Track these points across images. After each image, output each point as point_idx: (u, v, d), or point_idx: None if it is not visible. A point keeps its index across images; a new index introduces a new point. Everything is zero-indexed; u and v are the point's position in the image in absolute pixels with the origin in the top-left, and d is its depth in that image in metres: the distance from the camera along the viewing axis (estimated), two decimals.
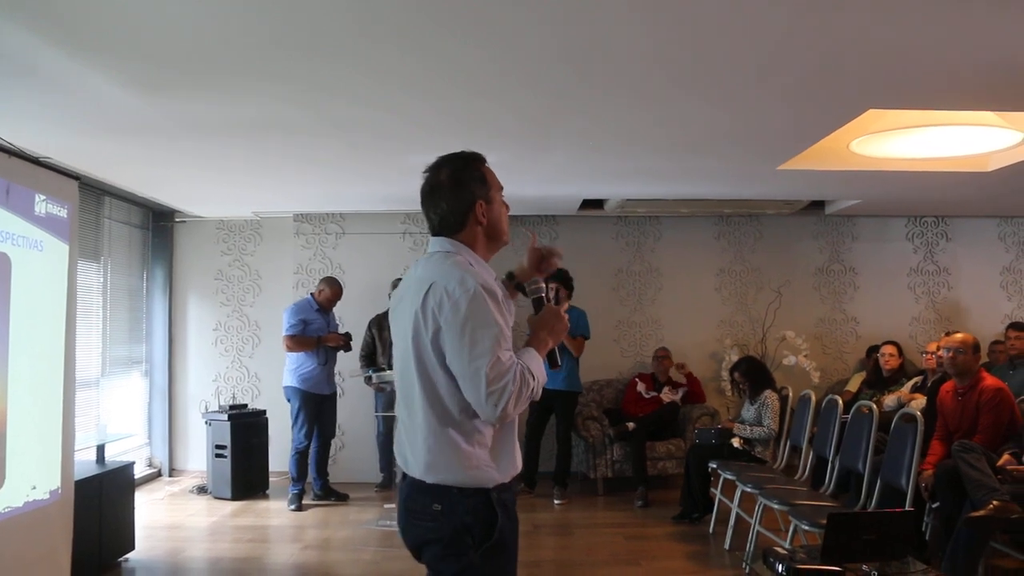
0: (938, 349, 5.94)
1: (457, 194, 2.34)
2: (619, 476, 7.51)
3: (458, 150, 2.42)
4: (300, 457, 7.02)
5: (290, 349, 6.98)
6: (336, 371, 7.30)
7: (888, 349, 7.21)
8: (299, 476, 7.02)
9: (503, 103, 4.42)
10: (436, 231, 2.39)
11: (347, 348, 7.19)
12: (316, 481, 7.19)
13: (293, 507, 6.92)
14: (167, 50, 3.55)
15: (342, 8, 3.13)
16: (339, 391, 7.47)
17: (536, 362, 2.30)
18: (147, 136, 5.02)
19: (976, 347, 5.12)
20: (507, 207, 2.47)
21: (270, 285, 8.56)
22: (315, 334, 7.00)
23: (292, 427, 7.07)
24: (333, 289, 7.17)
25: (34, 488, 4.20)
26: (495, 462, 2.30)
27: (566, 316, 2.47)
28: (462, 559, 2.25)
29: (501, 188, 2.44)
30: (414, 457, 2.29)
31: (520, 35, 3.40)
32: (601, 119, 4.75)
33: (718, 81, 4.02)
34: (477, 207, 2.35)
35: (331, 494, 7.18)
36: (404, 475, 2.37)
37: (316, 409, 7.06)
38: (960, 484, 4.56)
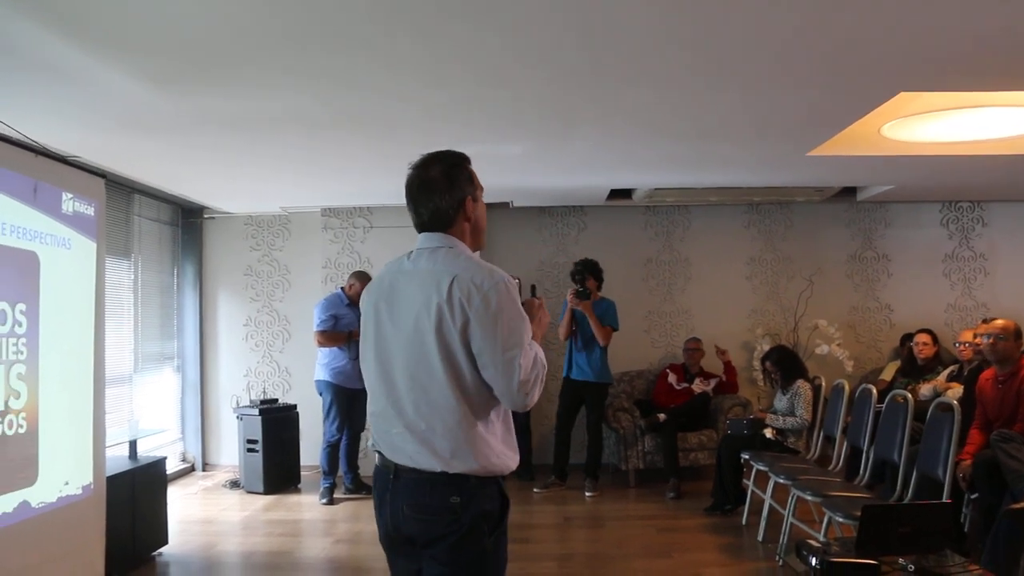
0: (975, 337, 5.83)
1: (450, 190, 2.39)
2: (650, 468, 7.47)
3: (445, 148, 2.49)
4: (331, 450, 7.05)
5: (321, 344, 6.99)
6: None
7: (922, 338, 7.09)
8: (330, 469, 7.05)
9: (523, 92, 4.36)
10: (425, 226, 2.43)
11: None
12: (347, 475, 7.21)
13: (324, 500, 6.94)
14: (183, 44, 3.55)
15: (358, 0, 3.11)
16: None
17: (542, 353, 2.36)
18: (168, 132, 5.04)
19: (1018, 333, 5.02)
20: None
21: (299, 280, 8.59)
22: (346, 328, 7.00)
23: (324, 421, 7.09)
24: (363, 283, 7.12)
25: (67, 484, 4.24)
26: (508, 451, 2.37)
27: (544, 308, 2.55)
28: (478, 546, 2.28)
29: (483, 189, 2.51)
30: (430, 449, 2.27)
31: (536, 22, 3.35)
32: (622, 107, 4.68)
33: (742, 66, 3.94)
34: (467, 204, 2.42)
35: (362, 487, 7.19)
36: (394, 472, 2.33)
37: (347, 403, 7.06)
38: (1000, 474, 4.47)
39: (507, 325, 2.24)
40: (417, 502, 2.29)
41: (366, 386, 2.55)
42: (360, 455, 7.38)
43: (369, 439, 7.47)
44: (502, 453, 2.33)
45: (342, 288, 7.24)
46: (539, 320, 2.48)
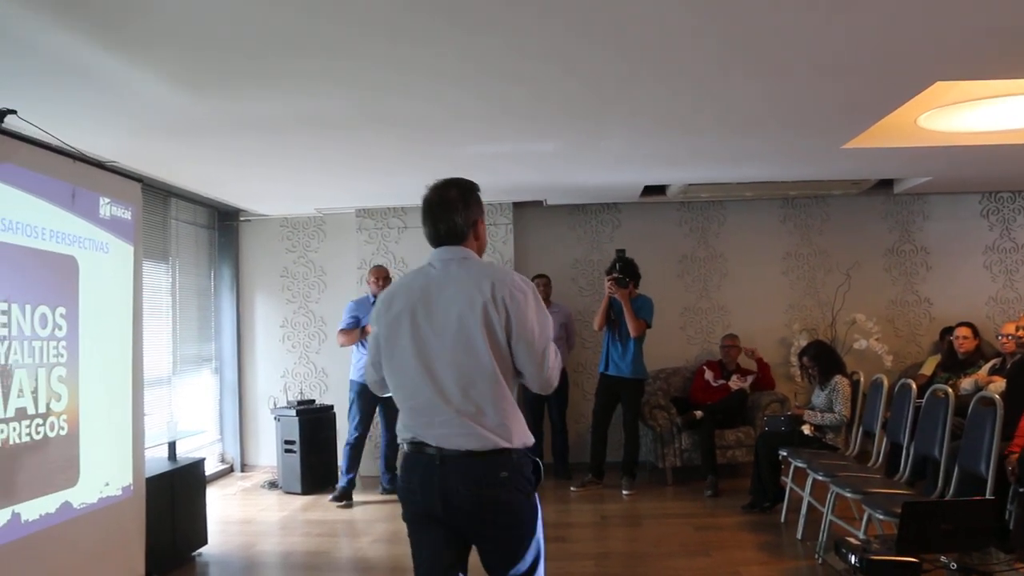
0: (1018, 329, 5.74)
1: (465, 210, 2.75)
2: (688, 465, 7.42)
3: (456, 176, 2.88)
4: (350, 449, 7.05)
5: (341, 343, 7.08)
6: None
7: (962, 331, 6.97)
8: (348, 468, 7.04)
9: (551, 91, 4.35)
10: (440, 240, 2.76)
11: None
12: (385, 475, 7.25)
13: (338, 503, 6.94)
14: (218, 49, 3.59)
15: (385, 5, 3.11)
16: None
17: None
18: (204, 136, 5.10)
19: None
20: None
21: (335, 281, 8.65)
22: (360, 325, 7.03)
23: (348, 418, 7.14)
24: (374, 273, 7.16)
25: (107, 484, 4.30)
26: (527, 429, 2.73)
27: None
28: (529, 504, 2.68)
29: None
30: (480, 430, 2.59)
31: (563, 18, 3.33)
32: (652, 103, 4.65)
33: (774, 58, 3.89)
34: (478, 224, 2.80)
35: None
36: (440, 458, 2.61)
37: (370, 403, 7.01)
38: None
39: (540, 323, 2.65)
40: (471, 480, 2.60)
41: (396, 384, 2.75)
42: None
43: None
44: (527, 431, 2.71)
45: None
46: None
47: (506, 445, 2.61)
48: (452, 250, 2.74)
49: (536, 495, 2.74)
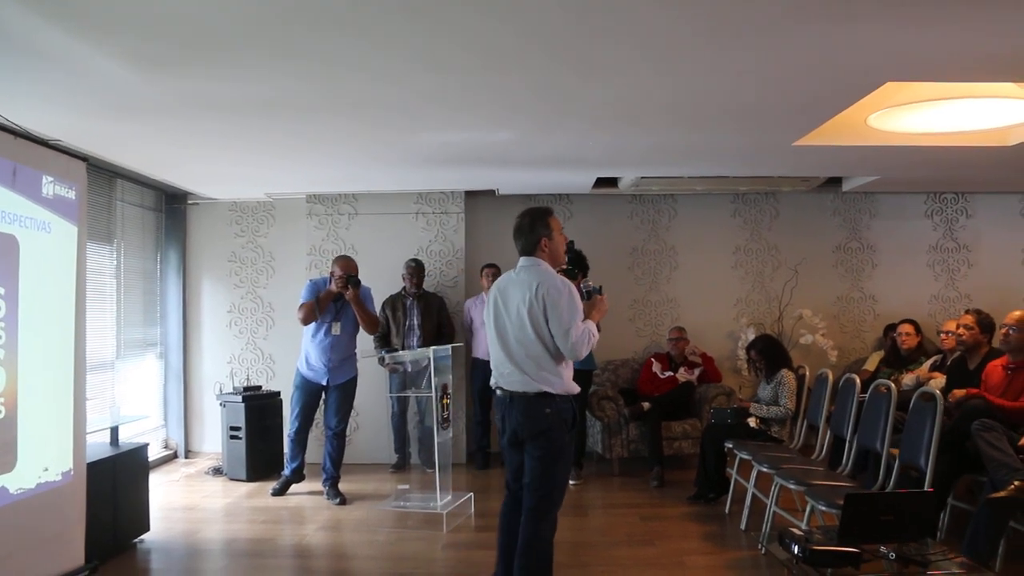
0: (957, 327, 5.86)
1: (531, 233, 4.00)
2: (634, 456, 7.49)
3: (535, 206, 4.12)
4: (291, 442, 6.79)
5: (301, 320, 6.60)
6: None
7: (905, 328, 7.12)
8: (292, 457, 6.81)
9: (512, 79, 4.33)
10: (520, 252, 4.03)
11: (345, 288, 6.50)
12: (324, 471, 6.74)
13: (276, 494, 6.80)
14: (170, 26, 3.50)
15: None
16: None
17: (593, 326, 3.95)
18: (151, 116, 4.98)
19: None
20: (565, 238, 4.14)
21: (283, 267, 8.56)
22: (326, 313, 6.62)
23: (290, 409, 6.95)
24: (340, 264, 6.63)
25: (46, 470, 4.20)
26: (572, 382, 4.00)
27: (606, 301, 4.17)
28: (564, 437, 3.93)
29: (561, 228, 4.08)
30: (531, 379, 3.88)
31: (528, 8, 3.32)
32: (610, 95, 4.66)
33: (728, 55, 3.92)
34: (542, 240, 3.98)
35: (335, 494, 6.66)
36: (510, 398, 3.95)
37: (311, 395, 6.72)
38: (963, 452, 4.55)
39: (566, 311, 3.81)
40: (526, 413, 3.90)
41: (486, 350, 4.37)
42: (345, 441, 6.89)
43: (352, 428, 7.34)
44: (569, 382, 3.96)
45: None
46: (599, 309, 4.09)
47: (549, 390, 3.86)
48: (526, 259, 4.01)
49: (569, 437, 3.95)
